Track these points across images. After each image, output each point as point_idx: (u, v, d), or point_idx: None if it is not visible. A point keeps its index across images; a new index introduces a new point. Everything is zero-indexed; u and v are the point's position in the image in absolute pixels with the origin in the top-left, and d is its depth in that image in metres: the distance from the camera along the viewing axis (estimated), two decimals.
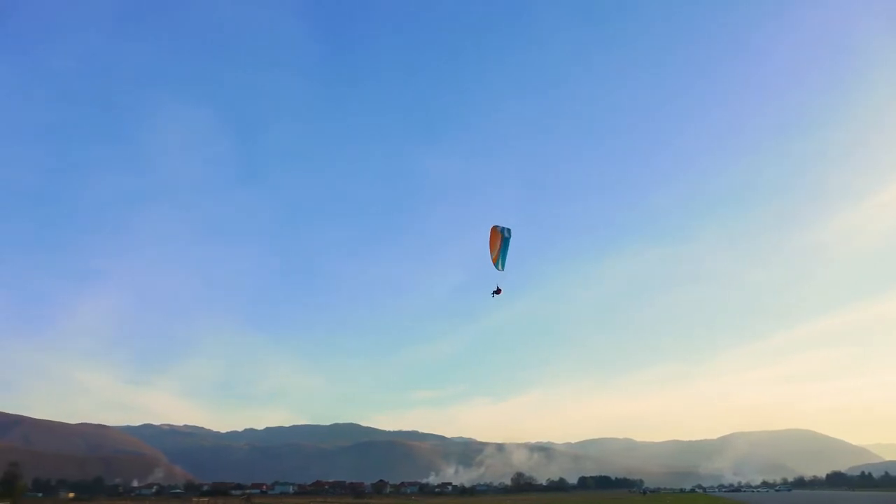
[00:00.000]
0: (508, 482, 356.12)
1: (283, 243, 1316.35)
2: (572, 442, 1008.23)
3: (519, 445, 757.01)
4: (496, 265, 34.19)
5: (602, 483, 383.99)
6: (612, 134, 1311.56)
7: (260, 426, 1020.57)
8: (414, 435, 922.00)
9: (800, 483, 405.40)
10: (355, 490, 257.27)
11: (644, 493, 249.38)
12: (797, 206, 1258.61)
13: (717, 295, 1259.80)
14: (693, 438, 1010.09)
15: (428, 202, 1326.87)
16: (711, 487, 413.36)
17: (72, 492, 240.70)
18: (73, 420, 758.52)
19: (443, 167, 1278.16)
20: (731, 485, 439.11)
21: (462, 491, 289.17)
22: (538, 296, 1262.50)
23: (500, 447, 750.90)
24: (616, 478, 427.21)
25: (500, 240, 33.99)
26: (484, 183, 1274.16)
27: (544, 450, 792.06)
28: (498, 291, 34.78)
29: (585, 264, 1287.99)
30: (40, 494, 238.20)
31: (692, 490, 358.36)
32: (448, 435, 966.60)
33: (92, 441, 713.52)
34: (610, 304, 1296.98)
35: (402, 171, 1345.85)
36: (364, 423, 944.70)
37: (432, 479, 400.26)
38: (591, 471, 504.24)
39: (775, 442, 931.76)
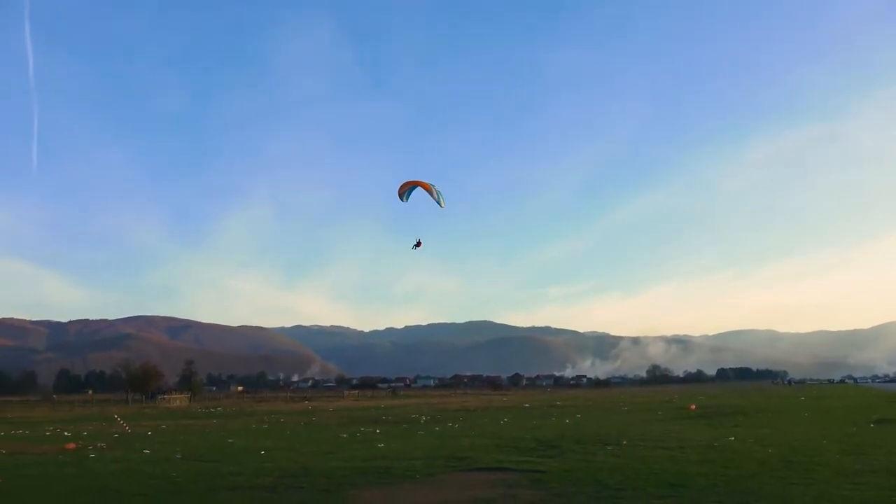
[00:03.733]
0: (644, 375, 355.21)
1: (411, 149, 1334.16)
2: (710, 334, 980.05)
3: (655, 338, 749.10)
4: (402, 196, 31.53)
5: (742, 374, 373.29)
6: (754, 7, 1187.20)
7: (399, 325, 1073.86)
8: (547, 331, 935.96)
9: None
10: (492, 383, 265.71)
11: (789, 383, 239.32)
12: None
13: (878, 177, 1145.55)
14: (842, 328, 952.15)
15: (552, 97, 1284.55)
16: (863, 378, 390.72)
17: (240, 386, 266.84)
18: (235, 323, 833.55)
19: (567, 59, 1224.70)
20: (886, 375, 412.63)
21: (597, 383, 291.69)
22: (672, 185, 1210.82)
23: (635, 340, 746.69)
24: (757, 369, 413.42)
25: (423, 190, 31.20)
26: (611, 72, 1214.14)
27: (681, 342, 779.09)
28: (418, 244, 31.74)
29: (724, 148, 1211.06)
30: (214, 388, 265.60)
31: (841, 381, 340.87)
32: (581, 330, 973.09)
33: (252, 341, 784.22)
34: (752, 189, 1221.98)
35: (525, 67, 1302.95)
36: (498, 321, 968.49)
37: (568, 372, 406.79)
38: (731, 363, 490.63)
39: None
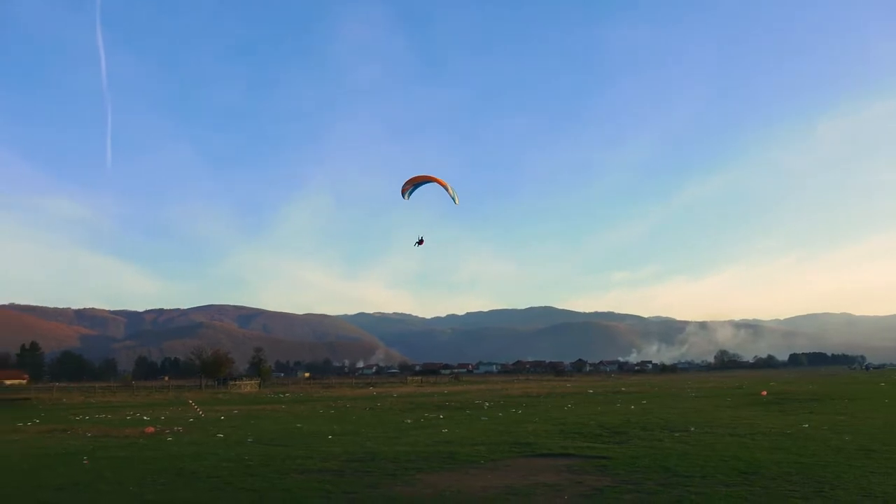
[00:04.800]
0: (711, 360, 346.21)
1: (467, 135, 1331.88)
2: (781, 318, 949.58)
3: (723, 323, 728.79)
4: (404, 194, 30.15)
5: (816, 359, 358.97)
6: None
7: (460, 311, 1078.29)
8: (610, 316, 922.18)
9: None
10: (555, 369, 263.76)
11: (866, 369, 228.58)
12: None
13: None
14: None
15: (612, 78, 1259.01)
16: None
17: (307, 372, 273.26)
18: (300, 311, 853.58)
19: (627, 38, 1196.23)
20: None
21: (662, 368, 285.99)
22: (739, 166, 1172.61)
23: (702, 325, 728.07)
24: (833, 354, 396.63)
25: (433, 186, 29.75)
26: (675, 51, 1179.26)
27: (751, 327, 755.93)
28: (420, 242, 30.43)
29: (793, 126, 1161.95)
30: (282, 375, 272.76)
31: None
32: (645, 315, 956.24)
33: (317, 329, 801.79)
34: (822, 167, 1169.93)
35: (584, 48, 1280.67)
36: (559, 306, 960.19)
37: (633, 358, 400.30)
38: (804, 347, 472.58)
39: None
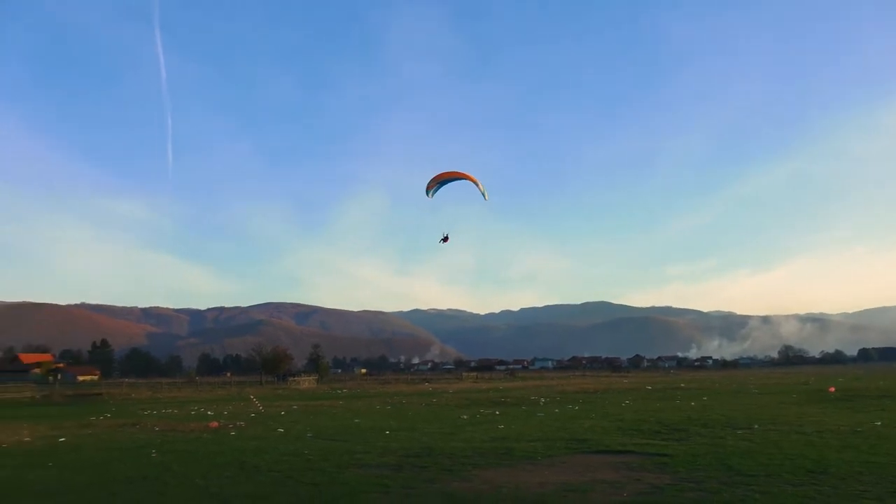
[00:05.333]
0: (775, 355, 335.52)
1: (522, 129, 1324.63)
2: (849, 312, 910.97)
3: (787, 317, 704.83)
4: (428, 193, 28.80)
5: (888, 355, 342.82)
6: None
7: (515, 307, 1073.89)
8: (668, 311, 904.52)
9: None
10: (612, 364, 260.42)
11: None
12: None
13: None
14: None
15: (669, 67, 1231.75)
16: None
17: (363, 368, 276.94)
18: (356, 308, 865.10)
19: (685, 26, 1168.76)
20: None
21: (723, 364, 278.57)
22: (804, 154, 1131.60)
23: (765, 319, 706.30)
24: None
25: (463, 183, 28.40)
26: (735, 38, 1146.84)
27: (817, 321, 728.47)
28: (445, 239, 29.16)
29: (861, 112, 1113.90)
30: (339, 371, 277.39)
31: None
32: (705, 309, 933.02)
33: (373, 325, 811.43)
34: (893, 155, 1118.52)
35: (640, 37, 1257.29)
36: (615, 301, 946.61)
37: (692, 353, 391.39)
38: (875, 342, 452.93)
39: None
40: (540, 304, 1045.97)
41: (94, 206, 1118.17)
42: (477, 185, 28.44)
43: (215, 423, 29.41)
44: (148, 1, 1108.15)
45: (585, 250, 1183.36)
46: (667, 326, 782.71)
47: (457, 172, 28.67)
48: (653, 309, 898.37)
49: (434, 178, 28.66)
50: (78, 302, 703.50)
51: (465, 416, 31.99)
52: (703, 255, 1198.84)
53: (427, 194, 29.00)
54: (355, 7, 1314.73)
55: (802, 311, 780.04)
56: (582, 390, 61.64)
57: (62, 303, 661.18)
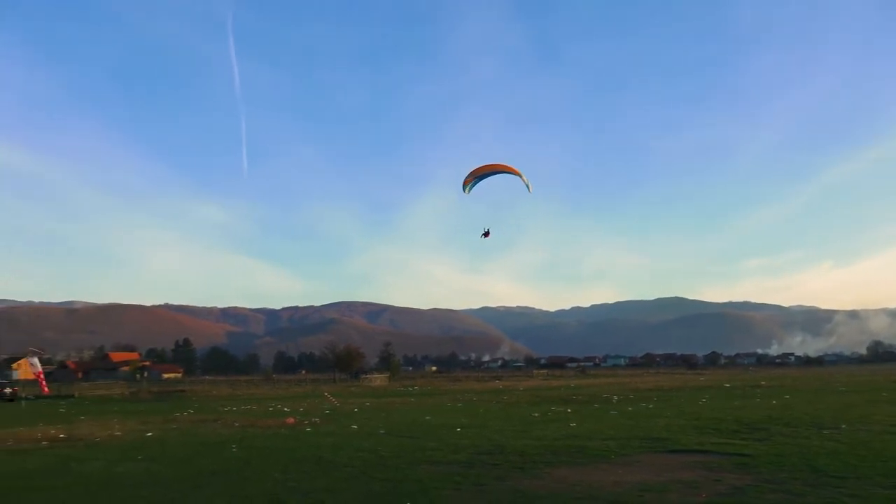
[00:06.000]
0: (864, 352, 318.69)
1: (590, 122, 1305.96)
2: None
3: (876, 311, 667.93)
4: (465, 188, 27.02)
5: None
6: None
7: (586, 304, 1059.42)
8: (746, 305, 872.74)
9: None
10: (687, 361, 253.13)
11: None
12: None
13: None
14: None
15: (744, 53, 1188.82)
16: None
17: (434, 366, 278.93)
18: (426, 306, 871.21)
19: (762, 8, 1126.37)
20: None
21: (806, 361, 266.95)
22: (893, 137, 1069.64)
23: (852, 314, 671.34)
24: None
25: (503, 176, 26.52)
26: (815, 20, 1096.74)
27: None
28: (486, 234, 27.50)
29: None
30: (410, 368, 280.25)
31: None
32: (785, 304, 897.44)
33: (443, 323, 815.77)
34: None
35: (713, 21, 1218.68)
36: (690, 297, 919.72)
37: (773, 350, 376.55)
38: None
39: None
40: (611, 301, 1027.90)
41: (176, 210, 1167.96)
42: (520, 177, 27.10)
43: (292, 420, 30.23)
44: (223, 11, 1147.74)
45: (659, 245, 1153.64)
46: (744, 322, 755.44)
47: (495, 165, 27.37)
48: (729, 304, 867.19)
49: (471, 172, 27.47)
50: (162, 303, 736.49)
51: (536, 414, 31.79)
52: (784, 248, 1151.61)
53: (463, 190, 27.84)
54: (419, 7, 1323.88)
55: (893, 304, 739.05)
56: (656, 388, 60.29)
57: (147, 304, 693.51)
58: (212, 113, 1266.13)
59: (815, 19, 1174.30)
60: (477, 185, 28.06)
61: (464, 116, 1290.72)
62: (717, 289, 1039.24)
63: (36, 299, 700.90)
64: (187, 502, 12.18)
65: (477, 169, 27.35)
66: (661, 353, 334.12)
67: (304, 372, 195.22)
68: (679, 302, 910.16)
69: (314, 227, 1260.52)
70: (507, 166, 27.19)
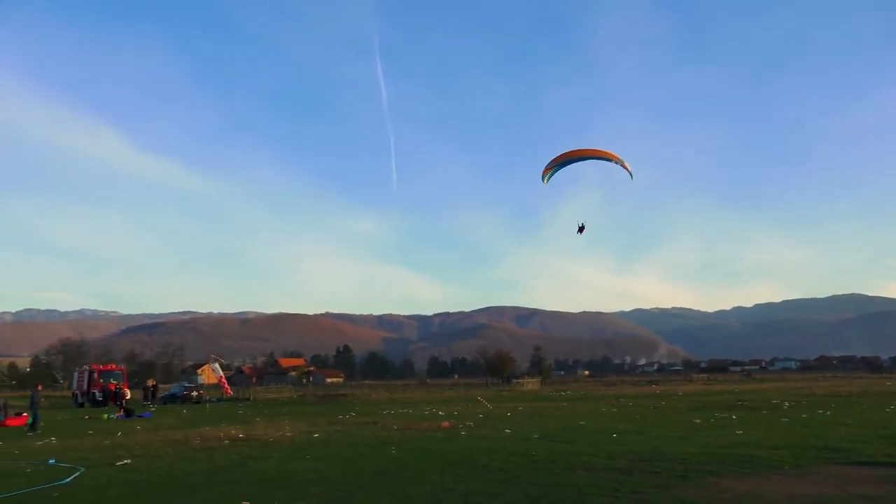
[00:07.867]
0: None
1: (742, 111, 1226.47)
2: None
3: None
4: (544, 178, 23.16)
5: None
6: None
7: (748, 303, 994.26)
8: None
9: None
10: (870, 364, 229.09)
11: None
12: None
13: None
14: None
15: None
16: None
17: (586, 370, 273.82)
18: (575, 309, 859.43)
19: None
20: None
21: None
22: None
23: None
24: None
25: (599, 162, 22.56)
26: None
27: None
28: (581, 230, 23.76)
29: None
30: (562, 373, 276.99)
31: None
32: None
33: (593, 326, 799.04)
34: None
35: None
36: (871, 293, 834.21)
37: None
38: None
39: None
40: (778, 299, 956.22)
41: (335, 226, 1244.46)
42: (618, 162, 23.88)
43: (447, 423, 30.88)
44: (369, 32, 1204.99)
45: (830, 237, 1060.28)
46: None
47: (582, 151, 23.96)
48: None
49: (551, 160, 24.50)
50: (324, 311, 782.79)
51: (697, 420, 30.22)
52: None
53: (542, 180, 25.12)
54: (556, 7, 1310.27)
55: None
56: (833, 393, 55.15)
57: (311, 313, 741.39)
58: (364, 132, 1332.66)
59: None
60: (556, 174, 25.17)
61: (606, 114, 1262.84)
62: None
63: (215, 311, 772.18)
64: (353, 500, 12.82)
65: (557, 157, 24.47)
66: (837, 355, 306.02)
67: (456, 376, 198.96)
68: (858, 299, 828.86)
69: (462, 235, 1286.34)
70: (598, 151, 24.17)
